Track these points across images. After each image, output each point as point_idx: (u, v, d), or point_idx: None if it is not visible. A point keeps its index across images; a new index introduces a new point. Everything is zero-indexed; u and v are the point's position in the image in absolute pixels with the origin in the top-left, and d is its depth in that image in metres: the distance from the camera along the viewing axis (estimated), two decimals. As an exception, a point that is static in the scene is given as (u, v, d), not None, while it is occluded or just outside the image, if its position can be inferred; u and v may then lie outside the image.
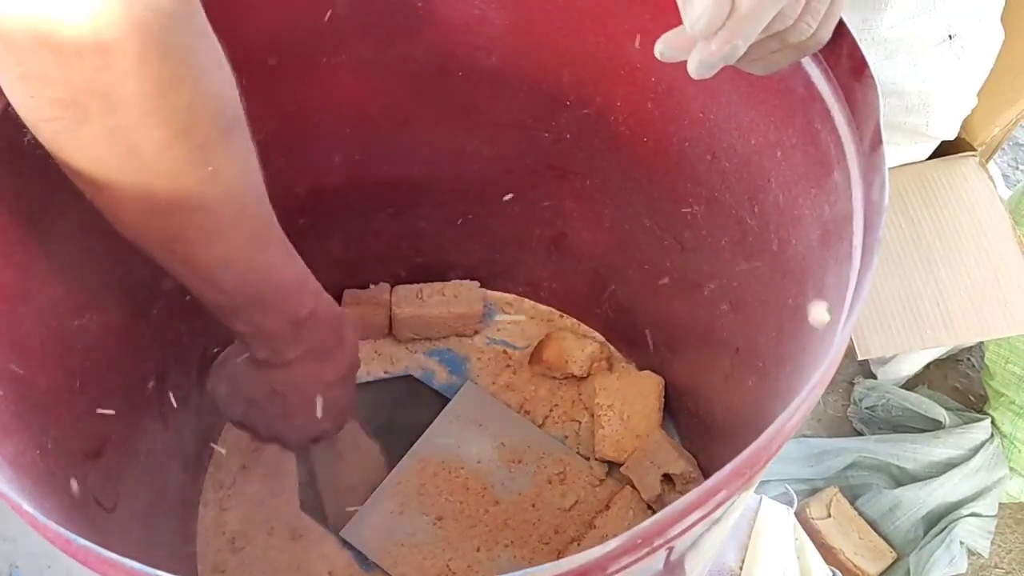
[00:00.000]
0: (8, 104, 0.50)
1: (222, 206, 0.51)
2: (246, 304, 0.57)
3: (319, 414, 0.67)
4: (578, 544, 0.78)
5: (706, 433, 0.79)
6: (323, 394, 0.66)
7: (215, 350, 0.78)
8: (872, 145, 0.47)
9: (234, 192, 0.52)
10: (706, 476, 0.77)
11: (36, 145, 0.53)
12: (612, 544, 0.35)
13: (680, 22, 0.46)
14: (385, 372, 0.88)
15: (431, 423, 0.84)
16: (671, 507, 0.37)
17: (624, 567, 0.37)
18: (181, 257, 0.53)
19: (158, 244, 0.52)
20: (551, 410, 0.86)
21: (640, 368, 0.87)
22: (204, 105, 0.47)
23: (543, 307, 0.92)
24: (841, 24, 0.49)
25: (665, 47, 0.47)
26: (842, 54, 0.49)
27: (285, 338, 0.61)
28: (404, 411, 0.86)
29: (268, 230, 0.56)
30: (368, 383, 0.86)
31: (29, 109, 0.44)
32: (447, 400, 0.85)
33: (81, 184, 0.48)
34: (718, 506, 0.39)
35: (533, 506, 0.80)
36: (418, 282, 0.88)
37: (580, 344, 0.86)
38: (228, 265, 0.54)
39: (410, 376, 0.88)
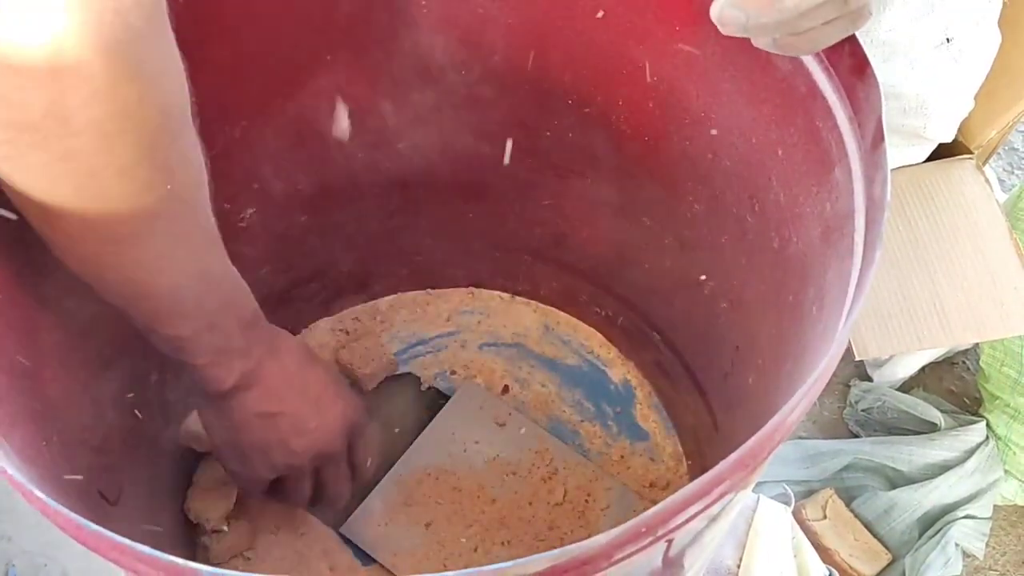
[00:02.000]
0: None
1: (179, 224, 0.48)
2: (205, 327, 0.54)
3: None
4: (571, 538, 0.78)
5: (705, 430, 0.80)
6: (294, 404, 0.62)
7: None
8: (874, 142, 0.48)
9: (190, 206, 0.49)
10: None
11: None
12: (614, 533, 0.36)
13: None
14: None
15: (429, 422, 0.84)
16: (672, 497, 0.37)
17: (626, 556, 0.37)
18: (136, 287, 0.50)
19: (112, 274, 0.49)
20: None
21: (640, 366, 0.87)
22: (170, 123, 0.44)
23: (543, 306, 0.92)
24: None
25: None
26: (844, 52, 0.50)
27: (239, 352, 0.58)
28: (403, 410, 0.86)
29: (216, 238, 0.52)
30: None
31: None
32: (446, 399, 0.86)
33: (31, 214, 0.44)
34: (720, 497, 0.39)
35: (529, 504, 0.81)
36: (418, 280, 0.89)
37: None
38: (184, 285, 0.51)
39: (409, 374, 0.88)
